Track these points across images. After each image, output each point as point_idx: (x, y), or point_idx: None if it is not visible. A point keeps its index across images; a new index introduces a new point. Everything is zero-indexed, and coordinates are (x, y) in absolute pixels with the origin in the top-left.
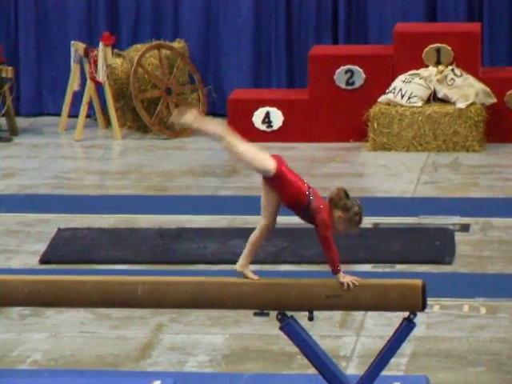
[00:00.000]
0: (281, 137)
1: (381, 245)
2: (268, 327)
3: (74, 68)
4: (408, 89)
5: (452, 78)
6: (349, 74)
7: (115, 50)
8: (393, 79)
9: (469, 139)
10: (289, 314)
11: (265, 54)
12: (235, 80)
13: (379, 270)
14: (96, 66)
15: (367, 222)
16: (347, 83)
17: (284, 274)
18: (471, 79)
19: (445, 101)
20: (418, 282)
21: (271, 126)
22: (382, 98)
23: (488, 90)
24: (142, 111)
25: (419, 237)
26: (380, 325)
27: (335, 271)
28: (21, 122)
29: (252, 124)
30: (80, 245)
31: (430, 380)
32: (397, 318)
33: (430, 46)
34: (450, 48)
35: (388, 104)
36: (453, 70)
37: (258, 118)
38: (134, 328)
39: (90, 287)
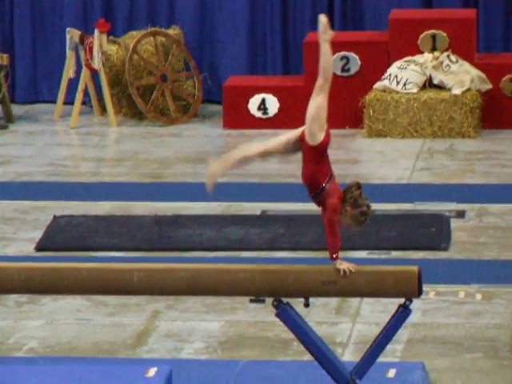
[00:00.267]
0: (276, 123)
1: (377, 231)
2: (264, 314)
3: (70, 55)
4: (403, 75)
5: (447, 65)
6: (344, 61)
7: (110, 37)
8: (388, 66)
9: (464, 125)
10: (285, 300)
11: (260, 41)
12: (231, 67)
13: (375, 256)
14: (91, 53)
15: None
16: (343, 70)
17: (280, 260)
18: (467, 65)
19: (440, 87)
20: (414, 268)
21: (267, 113)
22: (378, 85)
23: (483, 76)
24: (138, 98)
25: (415, 223)
26: (376, 311)
27: (333, 257)
28: (16, 109)
29: (247, 111)
30: (76, 232)
31: (426, 366)
32: (392, 304)
33: (426, 32)
34: (445, 34)
35: (383, 91)
36: (448, 56)
37: (253, 104)
38: (130, 315)
39: (85, 274)
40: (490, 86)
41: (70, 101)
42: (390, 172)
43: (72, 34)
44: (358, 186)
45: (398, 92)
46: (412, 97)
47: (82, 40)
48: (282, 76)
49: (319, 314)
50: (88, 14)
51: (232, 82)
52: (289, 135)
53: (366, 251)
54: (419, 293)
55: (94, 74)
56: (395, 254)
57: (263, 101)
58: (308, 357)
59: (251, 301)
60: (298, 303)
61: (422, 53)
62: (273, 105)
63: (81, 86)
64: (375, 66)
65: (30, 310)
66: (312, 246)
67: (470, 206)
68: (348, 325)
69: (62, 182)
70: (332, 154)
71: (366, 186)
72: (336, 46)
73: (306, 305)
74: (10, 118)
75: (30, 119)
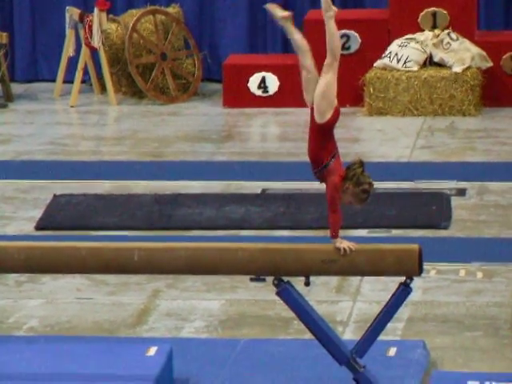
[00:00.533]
0: (276, 102)
1: (377, 210)
2: (264, 293)
3: (69, 34)
4: (404, 53)
5: (448, 42)
6: (344, 39)
7: (110, 16)
8: (389, 44)
9: (465, 103)
10: (285, 279)
11: (260, 19)
12: (230, 45)
13: (375, 235)
14: (91, 31)
15: None
16: (343, 48)
17: (280, 239)
18: (467, 43)
19: (441, 65)
20: (415, 246)
21: (267, 91)
22: (378, 63)
23: (484, 53)
24: (137, 77)
25: (415, 201)
26: (376, 290)
27: (334, 236)
28: (16, 88)
29: (248, 89)
30: (76, 211)
31: (427, 345)
32: (393, 282)
33: (426, 10)
34: (445, 12)
35: (384, 69)
36: (449, 33)
37: (253, 83)
38: (130, 294)
39: (85, 253)
40: (490, 64)
41: (69, 79)
42: (390, 150)
43: (71, 13)
44: (361, 163)
45: (398, 70)
46: (412, 75)
47: (81, 18)
48: (282, 54)
49: (320, 293)
50: None
51: (232, 61)
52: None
53: (367, 230)
54: (420, 271)
55: (94, 52)
56: (395, 232)
57: (263, 79)
58: (309, 335)
59: (251, 279)
60: (298, 282)
61: (422, 31)
62: (273, 83)
63: (80, 65)
64: (375, 44)
65: (30, 289)
66: (312, 224)
67: (471, 184)
68: (348, 303)
69: (61, 161)
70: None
71: (367, 164)
72: (337, 24)
73: (307, 283)
74: (9, 97)
75: (29, 98)
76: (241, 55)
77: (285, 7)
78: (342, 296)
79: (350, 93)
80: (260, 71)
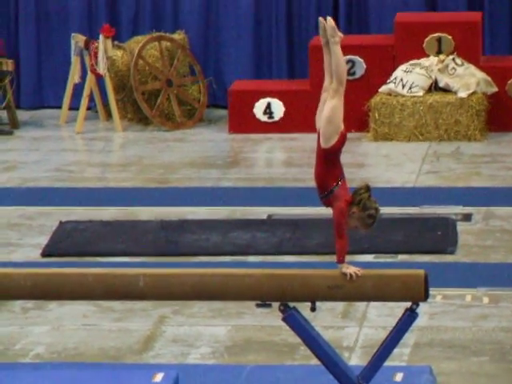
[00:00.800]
0: (282, 128)
1: (383, 235)
2: (270, 318)
3: (75, 60)
4: (409, 78)
5: (453, 68)
6: (350, 64)
7: (115, 42)
8: (394, 69)
9: (470, 128)
10: (291, 304)
11: (265, 45)
12: (236, 71)
13: (381, 260)
14: (96, 58)
15: None
16: (348, 73)
17: (286, 264)
18: (472, 68)
19: (446, 90)
20: (421, 272)
21: (272, 117)
22: (383, 88)
23: (489, 79)
24: (143, 103)
25: (421, 227)
26: (383, 315)
27: (340, 261)
28: (22, 114)
29: (253, 115)
30: (82, 237)
31: (434, 370)
32: (399, 308)
33: (431, 35)
34: (450, 37)
35: (389, 94)
36: (454, 59)
37: (259, 109)
38: (136, 320)
39: (92, 280)
40: (495, 89)
41: (75, 106)
42: (396, 175)
43: (77, 40)
44: (367, 188)
45: (403, 95)
46: (418, 100)
47: (87, 45)
48: (288, 80)
49: (326, 318)
50: (93, 19)
51: (237, 87)
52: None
53: (373, 255)
54: (426, 296)
55: (100, 79)
56: (402, 257)
57: (269, 105)
58: (315, 361)
59: (258, 305)
60: (304, 307)
61: (427, 56)
62: (278, 109)
63: (86, 92)
64: (381, 70)
65: (37, 316)
66: (318, 250)
67: (477, 209)
68: (355, 329)
69: (67, 188)
70: None
71: (373, 189)
72: (342, 50)
73: (313, 309)
74: (15, 124)
75: (35, 125)
76: (246, 81)
77: (289, 33)
78: (349, 321)
79: (356, 118)
80: (265, 97)
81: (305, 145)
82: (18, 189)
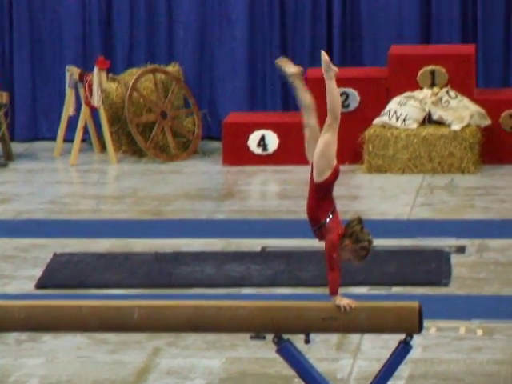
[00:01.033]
0: (276, 160)
1: (377, 267)
2: (265, 350)
3: (69, 93)
4: (403, 111)
5: (447, 100)
6: (344, 97)
7: (110, 75)
8: (388, 101)
9: (464, 161)
10: (285, 336)
11: (259, 78)
12: (230, 103)
13: (375, 292)
14: (91, 90)
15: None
16: (342, 106)
17: (281, 296)
18: (466, 101)
19: (440, 123)
20: (415, 304)
21: (266, 150)
22: (377, 121)
23: (483, 111)
24: (138, 135)
25: (415, 259)
26: (377, 347)
27: (333, 293)
28: (16, 147)
29: (247, 147)
30: (76, 269)
31: None
32: (393, 340)
33: (425, 68)
34: (444, 70)
35: (383, 126)
36: (447, 91)
37: (253, 141)
38: (130, 352)
39: (86, 312)
40: (489, 122)
41: (69, 138)
42: (390, 208)
43: (71, 72)
44: (359, 221)
45: (397, 128)
46: (411, 132)
47: (81, 78)
48: (282, 112)
49: (320, 350)
50: (87, 51)
51: (231, 119)
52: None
53: (367, 287)
54: (420, 328)
55: (94, 111)
56: (396, 289)
57: (263, 137)
58: None
59: (252, 337)
60: (298, 339)
61: (421, 88)
62: (272, 141)
63: (80, 124)
64: (374, 102)
65: (31, 348)
66: (312, 282)
67: (471, 242)
68: (349, 361)
69: (62, 220)
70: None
71: (367, 221)
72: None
73: (307, 341)
74: (9, 156)
75: (29, 157)
76: (240, 113)
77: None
78: (343, 353)
79: (350, 150)
80: (259, 129)
81: (299, 177)
82: (12, 221)
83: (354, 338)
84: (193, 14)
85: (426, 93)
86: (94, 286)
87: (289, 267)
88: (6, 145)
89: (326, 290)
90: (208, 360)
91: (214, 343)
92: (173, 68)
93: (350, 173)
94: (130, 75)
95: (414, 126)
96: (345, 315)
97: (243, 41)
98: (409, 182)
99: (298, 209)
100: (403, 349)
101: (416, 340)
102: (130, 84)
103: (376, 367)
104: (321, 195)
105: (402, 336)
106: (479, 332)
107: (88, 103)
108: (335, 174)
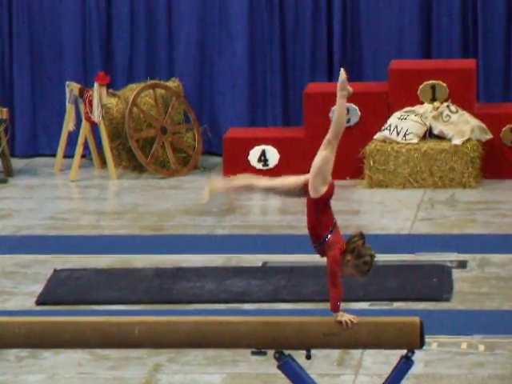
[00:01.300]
0: (277, 175)
1: (378, 282)
2: (266, 366)
3: (69, 108)
4: (404, 126)
5: (447, 115)
6: None
7: (110, 90)
8: (388, 116)
9: (465, 175)
10: (286, 352)
11: (260, 93)
12: (230, 118)
13: (377, 307)
14: (91, 106)
15: None
16: None
17: (282, 312)
18: (467, 115)
19: (440, 137)
20: (416, 319)
21: (267, 165)
22: (378, 135)
23: (484, 126)
24: (138, 151)
25: (416, 274)
26: (378, 363)
27: (334, 309)
28: (16, 163)
29: (248, 162)
30: (76, 285)
31: None
32: (395, 355)
33: (425, 82)
34: (445, 84)
35: (384, 141)
36: (448, 106)
37: (253, 156)
38: (131, 368)
39: (86, 328)
40: (490, 136)
41: (69, 154)
42: (390, 222)
43: (71, 88)
44: (361, 236)
45: (398, 142)
46: (412, 147)
47: (81, 93)
48: (282, 127)
49: (321, 366)
50: (87, 67)
51: (232, 134)
52: (297, 179)
53: (368, 302)
54: (421, 344)
55: (94, 127)
56: (397, 304)
57: (263, 152)
58: None
59: (253, 353)
60: (299, 355)
61: (421, 103)
62: (273, 156)
63: (81, 139)
64: (375, 117)
65: (31, 365)
66: (313, 297)
67: (472, 257)
68: (350, 376)
69: (62, 236)
70: (333, 204)
71: (367, 236)
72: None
73: (308, 356)
74: (9, 172)
75: (29, 173)
76: (241, 128)
77: (284, 80)
78: (344, 369)
79: (350, 165)
80: (260, 144)
81: None
82: (12, 237)
83: (356, 353)
84: (193, 29)
85: (426, 107)
86: (94, 301)
87: (290, 282)
88: (6, 160)
89: (327, 306)
90: (209, 376)
91: (215, 359)
92: (173, 83)
93: (351, 187)
94: (130, 90)
95: (415, 140)
96: (346, 331)
97: (243, 56)
98: (410, 197)
99: (299, 224)
100: (405, 364)
101: (417, 355)
102: (130, 99)
103: (377, 383)
104: (320, 210)
105: (404, 351)
106: (481, 347)
107: (88, 119)
108: (331, 189)
